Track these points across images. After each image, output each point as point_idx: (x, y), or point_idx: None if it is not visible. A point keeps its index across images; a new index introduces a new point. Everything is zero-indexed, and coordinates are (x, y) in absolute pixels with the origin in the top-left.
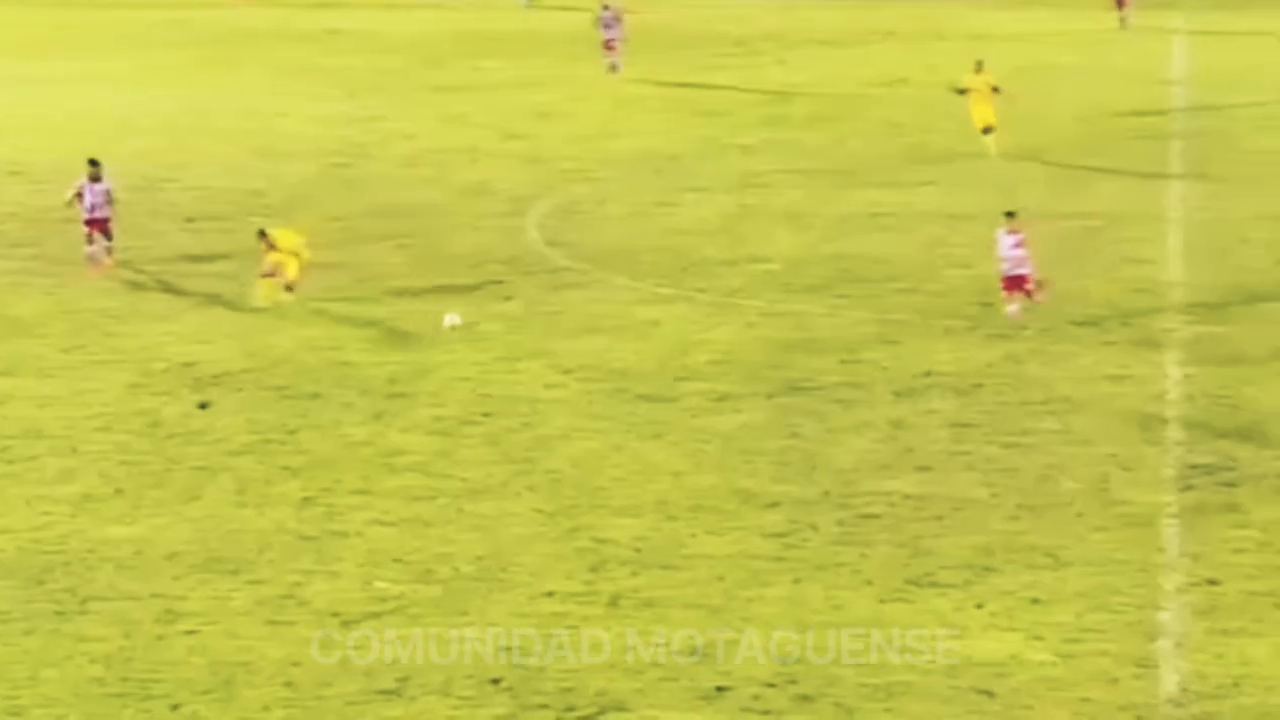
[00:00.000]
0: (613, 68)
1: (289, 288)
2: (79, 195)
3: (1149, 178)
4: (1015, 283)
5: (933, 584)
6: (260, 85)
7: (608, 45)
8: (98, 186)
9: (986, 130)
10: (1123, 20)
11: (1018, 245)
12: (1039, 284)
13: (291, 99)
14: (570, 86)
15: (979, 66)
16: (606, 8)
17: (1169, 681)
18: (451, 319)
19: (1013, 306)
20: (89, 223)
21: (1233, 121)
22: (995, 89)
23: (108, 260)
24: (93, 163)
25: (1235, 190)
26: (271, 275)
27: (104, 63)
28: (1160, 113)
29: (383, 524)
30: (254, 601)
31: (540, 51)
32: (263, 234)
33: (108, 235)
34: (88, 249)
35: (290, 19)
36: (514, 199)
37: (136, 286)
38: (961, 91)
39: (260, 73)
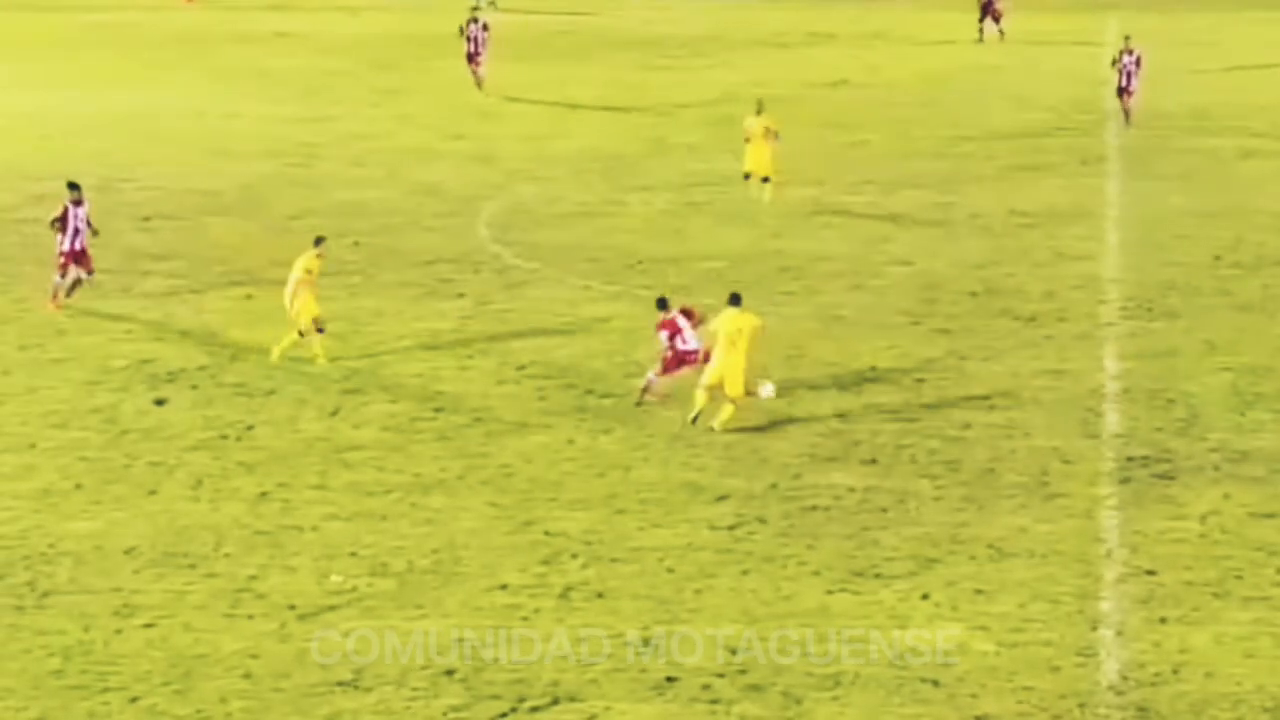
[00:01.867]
0: (478, 82)
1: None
2: (62, 220)
3: (1085, 176)
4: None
5: (878, 575)
6: (209, 87)
7: (472, 58)
8: (80, 210)
9: (764, 180)
10: (983, 32)
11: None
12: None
13: (241, 100)
14: (517, 87)
15: (759, 108)
16: (475, 19)
17: (1109, 670)
18: (767, 390)
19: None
20: (68, 254)
21: (1167, 120)
22: (774, 133)
23: (62, 298)
24: (72, 186)
25: (1170, 188)
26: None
27: (49, 66)
28: (1096, 113)
29: (338, 518)
30: (211, 595)
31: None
32: None
33: (88, 267)
34: (56, 279)
35: (237, 21)
36: (463, 199)
37: (93, 285)
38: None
39: (209, 75)
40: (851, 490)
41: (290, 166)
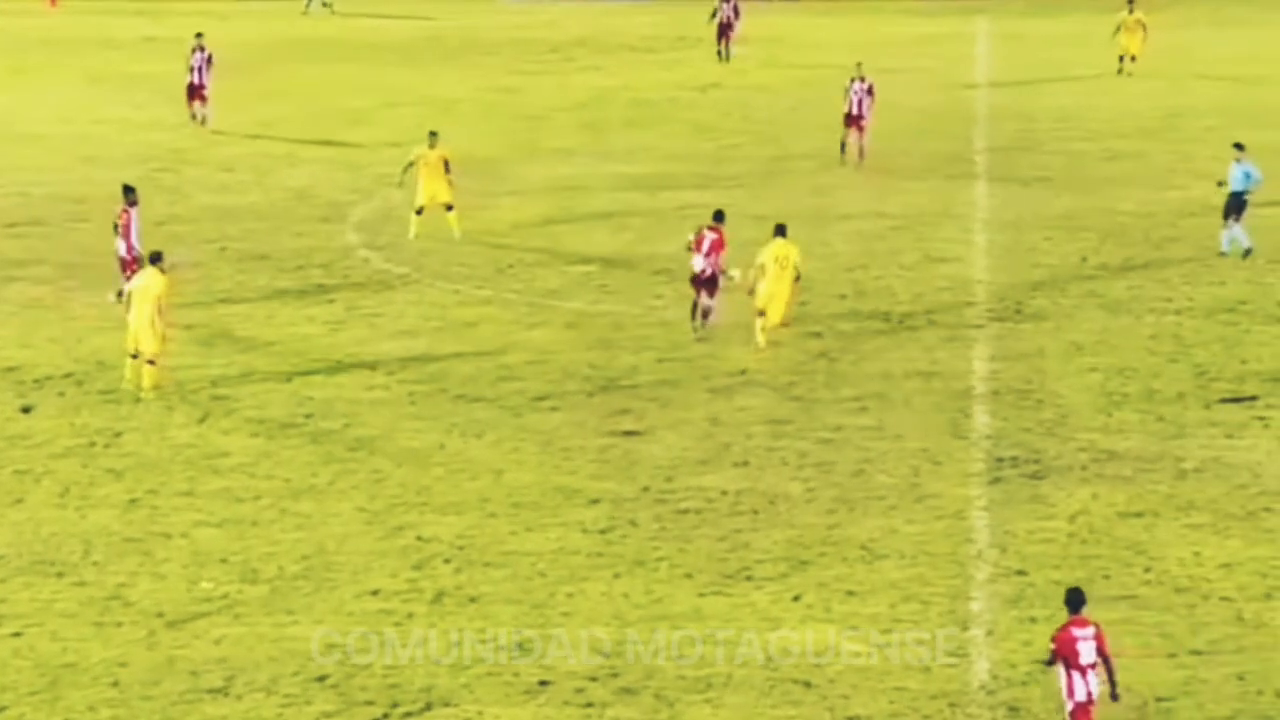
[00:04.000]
0: (202, 120)
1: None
2: (125, 227)
3: (952, 179)
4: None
5: (750, 578)
6: (76, 92)
7: (194, 91)
8: (135, 211)
9: (447, 208)
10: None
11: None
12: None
13: (109, 106)
14: (383, 92)
15: (432, 141)
16: (201, 47)
17: (980, 669)
18: (733, 275)
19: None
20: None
21: (1032, 122)
22: (446, 164)
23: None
24: (129, 189)
25: (1036, 190)
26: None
27: None
28: (963, 115)
29: (207, 525)
30: (79, 603)
31: (352, 58)
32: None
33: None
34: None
35: (104, 26)
36: (332, 204)
37: None
38: (409, 165)
39: (75, 80)
40: (723, 493)
41: (158, 172)
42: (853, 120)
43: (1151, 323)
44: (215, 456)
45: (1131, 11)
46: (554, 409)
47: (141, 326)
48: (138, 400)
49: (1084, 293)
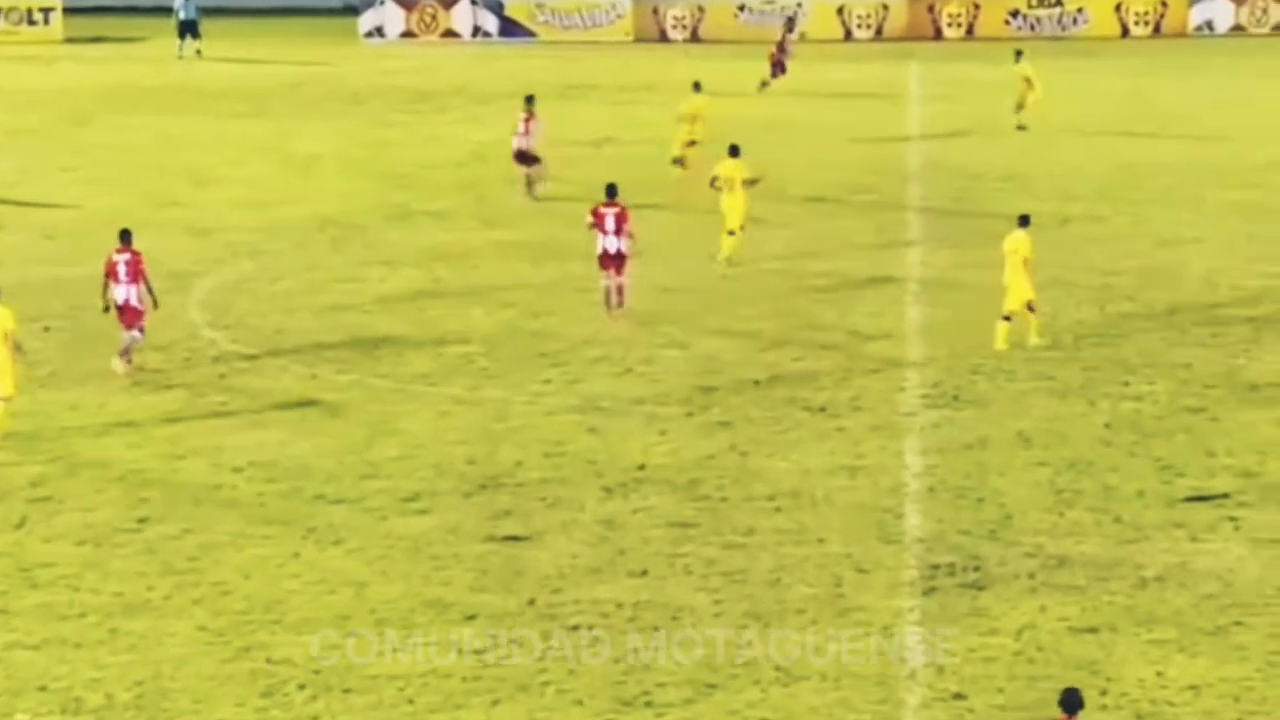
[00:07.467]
0: None
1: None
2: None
3: (884, 245)
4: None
5: (649, 704)
6: None
7: None
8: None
9: None
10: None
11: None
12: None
13: None
14: (233, 148)
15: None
16: None
17: None
18: None
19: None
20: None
21: (977, 183)
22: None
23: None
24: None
25: (979, 257)
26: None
27: None
28: (896, 172)
29: (23, 646)
30: None
31: (196, 108)
32: None
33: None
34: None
35: None
36: (173, 275)
37: None
38: None
39: None
40: (619, 606)
41: None
42: (521, 156)
43: (1108, 410)
44: (34, 567)
45: (1018, 61)
46: (425, 511)
47: None
48: None
49: (1031, 375)
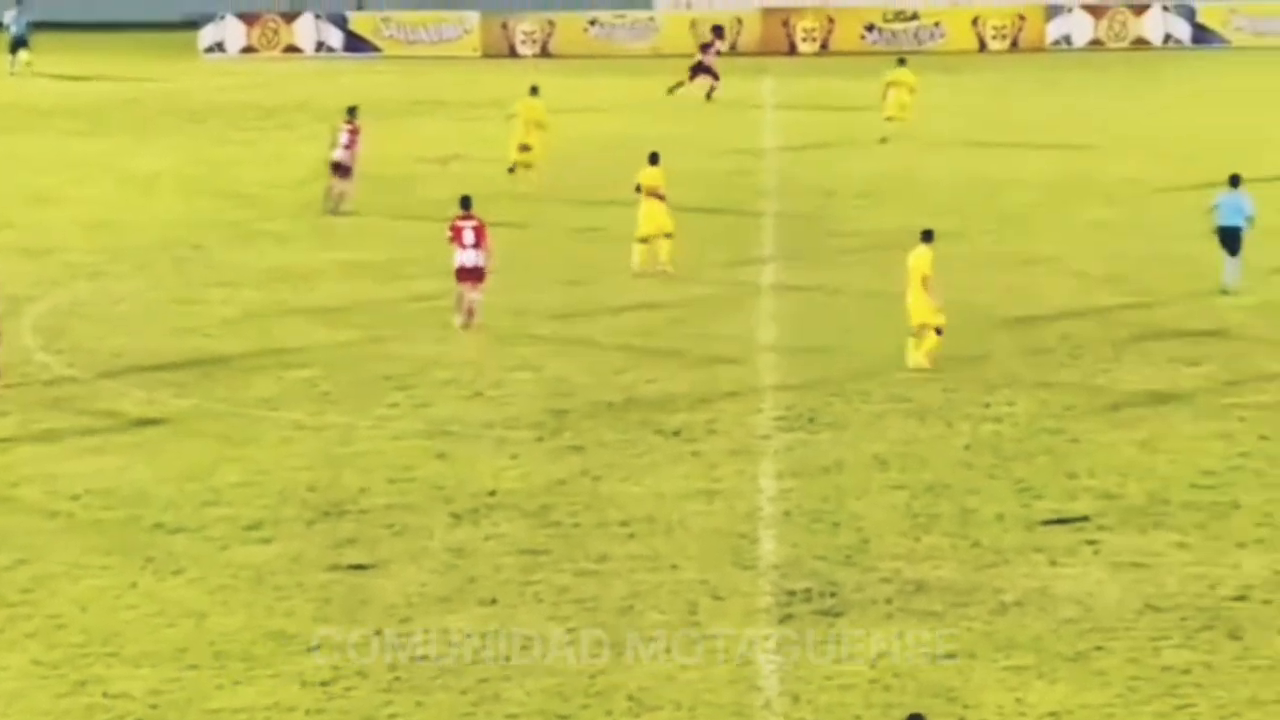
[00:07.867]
0: None
1: None
2: None
3: (739, 263)
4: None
5: None
6: None
7: None
8: None
9: None
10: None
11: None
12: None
13: None
14: (71, 168)
15: None
16: None
17: None
18: None
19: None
20: None
21: (832, 199)
22: None
23: None
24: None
25: (836, 277)
26: None
27: None
28: (752, 188)
29: None
30: None
31: (30, 126)
32: None
33: None
34: None
35: None
36: (9, 298)
37: None
38: None
39: None
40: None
41: None
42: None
43: (966, 432)
44: None
45: (901, 65)
46: (267, 540)
47: None
48: None
49: (888, 397)
